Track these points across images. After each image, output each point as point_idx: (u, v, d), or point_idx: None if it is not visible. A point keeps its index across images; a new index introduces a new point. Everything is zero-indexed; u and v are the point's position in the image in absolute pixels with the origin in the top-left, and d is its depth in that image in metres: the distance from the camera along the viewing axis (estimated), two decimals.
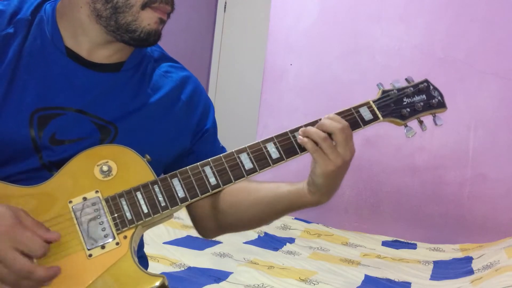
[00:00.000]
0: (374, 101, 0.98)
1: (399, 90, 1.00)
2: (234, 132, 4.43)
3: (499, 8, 3.04)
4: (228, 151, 0.94)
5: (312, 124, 0.94)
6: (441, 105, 1.02)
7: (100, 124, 0.94)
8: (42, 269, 0.81)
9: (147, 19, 0.93)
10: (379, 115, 0.97)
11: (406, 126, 1.00)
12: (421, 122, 1.01)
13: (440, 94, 1.03)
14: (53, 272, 0.82)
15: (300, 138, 0.92)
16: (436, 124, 1.01)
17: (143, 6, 0.92)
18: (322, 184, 0.92)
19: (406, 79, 1.03)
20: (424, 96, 1.01)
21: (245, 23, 4.72)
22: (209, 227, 1.09)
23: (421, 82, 1.02)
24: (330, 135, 0.91)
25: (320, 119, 0.93)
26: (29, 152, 0.91)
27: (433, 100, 1.01)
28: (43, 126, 0.91)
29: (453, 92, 3.07)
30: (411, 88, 1.01)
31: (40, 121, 0.91)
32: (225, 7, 4.81)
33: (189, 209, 1.10)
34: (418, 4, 3.23)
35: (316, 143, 0.90)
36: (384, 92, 1.00)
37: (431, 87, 1.02)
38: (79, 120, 0.94)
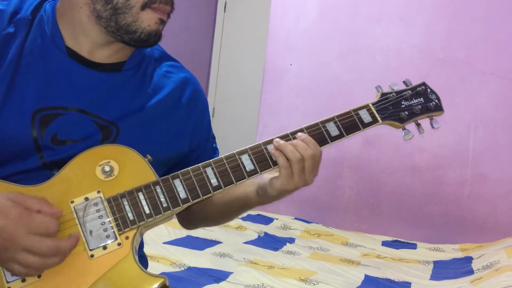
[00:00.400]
0: (373, 104, 0.99)
1: (397, 93, 1.02)
2: (234, 132, 4.43)
3: (499, 8, 3.05)
4: (229, 152, 0.95)
5: (315, 126, 0.96)
6: (438, 108, 1.03)
7: (102, 124, 0.94)
8: (65, 241, 0.82)
9: (147, 20, 0.93)
10: (378, 118, 0.98)
11: (404, 129, 1.01)
12: (418, 125, 1.03)
13: (437, 98, 1.04)
14: (75, 240, 0.84)
15: (273, 151, 0.94)
16: (433, 127, 1.02)
17: (143, 7, 0.92)
18: (273, 196, 0.96)
19: (404, 82, 1.04)
20: (421, 99, 1.02)
21: (245, 23, 4.72)
22: (185, 220, 1.17)
23: (419, 85, 1.03)
24: None
25: (302, 128, 0.95)
26: (30, 152, 0.91)
27: (431, 103, 1.02)
28: (45, 126, 0.91)
29: (453, 92, 3.07)
30: (409, 91, 1.02)
31: (42, 121, 0.91)
32: (225, 7, 4.81)
33: None
34: (418, 4, 3.23)
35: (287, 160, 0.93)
36: (383, 94, 1.01)
37: (429, 90, 1.04)
38: (81, 120, 0.94)
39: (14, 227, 0.78)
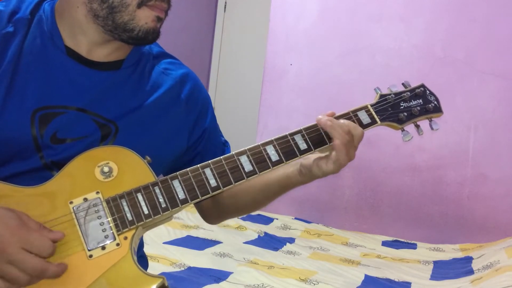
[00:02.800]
0: (372, 105, 1.00)
1: (396, 94, 1.02)
2: (234, 132, 4.42)
3: (499, 8, 3.04)
4: (228, 153, 0.95)
5: (314, 126, 0.96)
6: (437, 109, 1.03)
7: (101, 123, 0.95)
8: (54, 266, 0.82)
9: (144, 18, 0.93)
10: (377, 119, 0.99)
11: (403, 130, 1.01)
12: (417, 127, 1.03)
13: (436, 99, 1.04)
14: (64, 268, 0.83)
15: (328, 128, 0.93)
16: (432, 128, 1.02)
17: (139, 5, 0.92)
18: (318, 176, 0.96)
19: (403, 84, 1.04)
20: (420, 101, 1.02)
21: (245, 23, 4.72)
22: (212, 214, 1.16)
23: (418, 87, 1.03)
24: None
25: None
26: (30, 151, 0.91)
27: (430, 105, 1.02)
28: (45, 125, 0.92)
29: (453, 92, 3.07)
30: (408, 93, 1.02)
31: (42, 120, 0.92)
32: (225, 7, 4.81)
33: None
34: (418, 4, 3.23)
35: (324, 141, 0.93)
36: (381, 96, 1.01)
37: (428, 91, 1.04)
38: (80, 119, 0.94)
39: (9, 237, 0.78)
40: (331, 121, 0.93)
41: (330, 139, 0.95)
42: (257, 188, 1.05)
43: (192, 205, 0.96)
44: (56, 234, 0.84)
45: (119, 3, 0.91)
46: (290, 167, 1.00)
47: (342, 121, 0.94)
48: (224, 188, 0.92)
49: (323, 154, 0.95)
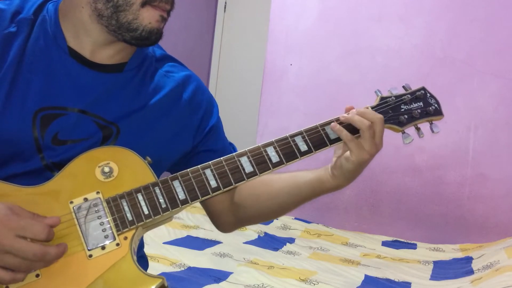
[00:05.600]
0: (372, 107, 1.00)
1: (396, 97, 1.02)
2: (234, 132, 4.42)
3: (499, 8, 3.04)
4: (229, 155, 0.95)
5: (314, 128, 0.96)
6: (438, 112, 1.03)
7: (102, 124, 0.95)
8: (54, 248, 0.82)
9: (148, 17, 0.93)
10: None
11: (403, 132, 1.01)
12: (418, 129, 1.03)
13: (437, 102, 1.04)
14: (63, 249, 0.83)
15: (333, 125, 0.94)
16: (433, 131, 1.02)
17: (143, 4, 0.92)
18: (351, 170, 0.95)
19: (403, 87, 1.05)
20: (421, 104, 1.02)
21: (245, 23, 4.72)
22: (228, 221, 1.12)
23: (418, 90, 1.04)
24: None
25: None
26: (31, 152, 0.91)
27: (430, 108, 1.02)
28: (46, 126, 0.92)
29: (453, 92, 3.07)
30: (409, 95, 1.02)
31: (43, 121, 0.92)
32: (225, 7, 4.81)
33: (206, 205, 1.11)
34: (418, 4, 3.23)
35: (354, 131, 0.94)
36: (382, 98, 1.01)
37: (428, 94, 1.04)
38: (82, 120, 0.94)
39: (1, 229, 0.78)
40: (344, 120, 0.95)
41: (331, 140, 0.96)
42: (286, 192, 1.03)
43: (193, 205, 0.96)
44: (52, 219, 0.84)
45: (124, 2, 0.91)
46: (321, 171, 0.99)
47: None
48: (224, 189, 0.92)
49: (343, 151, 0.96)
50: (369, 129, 0.92)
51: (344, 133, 0.93)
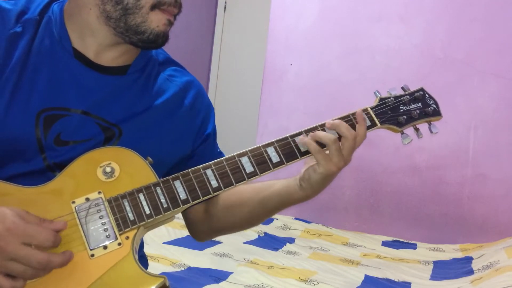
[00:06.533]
0: (372, 108, 1.00)
1: (396, 98, 1.03)
2: (234, 132, 4.43)
3: (499, 8, 3.05)
4: (229, 155, 0.95)
5: (314, 129, 0.96)
6: (437, 113, 1.04)
7: (105, 126, 0.95)
8: (58, 256, 0.82)
9: (156, 21, 0.94)
10: (377, 122, 0.99)
11: (402, 133, 1.02)
12: (417, 130, 1.03)
13: (436, 103, 1.05)
14: (68, 257, 0.83)
15: (301, 138, 0.95)
16: (431, 132, 1.03)
17: (152, 7, 0.93)
18: (318, 181, 0.95)
19: (402, 88, 1.06)
20: (420, 104, 1.03)
21: (245, 23, 4.73)
22: (202, 230, 1.13)
23: (417, 91, 1.04)
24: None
25: (324, 123, 0.96)
26: (33, 152, 0.91)
27: (429, 108, 1.03)
28: (49, 126, 0.92)
29: (453, 92, 3.07)
30: (407, 96, 1.03)
31: (46, 121, 0.92)
32: (225, 7, 4.81)
33: (184, 213, 1.12)
34: (418, 4, 3.23)
35: (323, 145, 0.93)
36: (381, 99, 1.02)
37: (427, 95, 1.05)
38: (84, 122, 0.94)
39: (7, 236, 0.78)
40: (312, 138, 0.94)
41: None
42: (255, 201, 1.03)
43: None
44: (58, 224, 0.84)
45: (134, 5, 0.92)
46: (290, 182, 1.00)
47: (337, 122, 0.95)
48: (225, 189, 0.93)
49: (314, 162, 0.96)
50: (334, 143, 0.92)
51: (313, 146, 0.93)
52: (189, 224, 1.14)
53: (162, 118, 1.01)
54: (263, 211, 1.04)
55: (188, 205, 0.91)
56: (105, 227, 0.87)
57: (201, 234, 1.14)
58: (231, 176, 0.93)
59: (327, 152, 0.93)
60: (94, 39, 0.96)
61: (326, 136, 0.93)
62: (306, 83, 3.47)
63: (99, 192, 0.89)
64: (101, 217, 0.88)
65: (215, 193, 0.92)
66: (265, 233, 2.83)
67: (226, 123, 4.53)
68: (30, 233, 0.79)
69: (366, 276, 2.25)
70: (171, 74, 1.07)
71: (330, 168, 0.92)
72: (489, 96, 3.04)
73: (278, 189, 1.00)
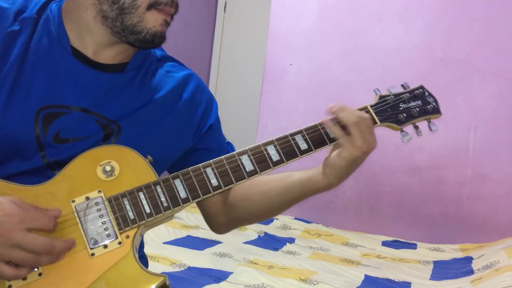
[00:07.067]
0: (371, 106, 1.00)
1: (395, 95, 1.02)
2: (234, 132, 4.42)
3: (499, 8, 3.05)
4: (229, 153, 0.95)
5: (314, 128, 0.96)
6: (436, 111, 1.04)
7: (104, 123, 0.95)
8: (61, 241, 0.82)
9: (153, 21, 0.94)
10: (377, 120, 0.99)
11: (402, 131, 1.02)
12: (416, 128, 1.04)
13: (435, 100, 1.04)
14: (70, 244, 0.84)
15: (327, 122, 0.94)
16: (431, 129, 1.02)
17: (149, 7, 0.93)
18: (343, 166, 0.95)
19: (402, 85, 1.05)
20: (419, 102, 1.03)
21: (245, 23, 4.73)
22: (221, 222, 1.12)
23: (417, 88, 1.04)
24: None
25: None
26: (33, 150, 0.91)
27: (428, 106, 1.03)
28: (48, 124, 0.92)
29: (453, 92, 3.07)
30: (407, 94, 1.03)
31: (45, 119, 0.92)
32: (225, 7, 4.81)
33: (201, 206, 1.12)
34: (418, 4, 3.23)
35: (344, 127, 0.93)
36: (381, 97, 1.02)
37: (426, 93, 1.04)
38: (84, 119, 0.94)
39: (10, 222, 0.78)
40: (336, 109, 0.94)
41: (330, 139, 0.96)
42: (276, 192, 1.02)
43: (193, 205, 0.97)
44: (54, 210, 0.85)
45: (130, 5, 0.92)
46: (313, 171, 0.99)
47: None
48: (225, 188, 0.93)
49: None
50: (354, 125, 0.92)
51: (335, 129, 0.93)
52: (207, 217, 1.13)
53: (161, 113, 1.01)
54: (285, 201, 1.03)
55: (188, 203, 0.91)
56: (105, 226, 0.87)
57: (220, 226, 1.14)
58: (231, 174, 0.93)
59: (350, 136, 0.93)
60: (92, 38, 0.96)
61: (347, 117, 0.92)
62: (306, 83, 3.47)
63: (99, 191, 0.89)
64: (101, 216, 0.88)
65: (215, 192, 0.92)
66: (265, 233, 2.83)
67: (226, 123, 4.52)
68: (30, 218, 0.80)
69: (366, 276, 2.25)
70: (169, 70, 1.07)
71: (355, 152, 0.92)
72: (489, 96, 3.04)
73: (299, 178, 1.00)
